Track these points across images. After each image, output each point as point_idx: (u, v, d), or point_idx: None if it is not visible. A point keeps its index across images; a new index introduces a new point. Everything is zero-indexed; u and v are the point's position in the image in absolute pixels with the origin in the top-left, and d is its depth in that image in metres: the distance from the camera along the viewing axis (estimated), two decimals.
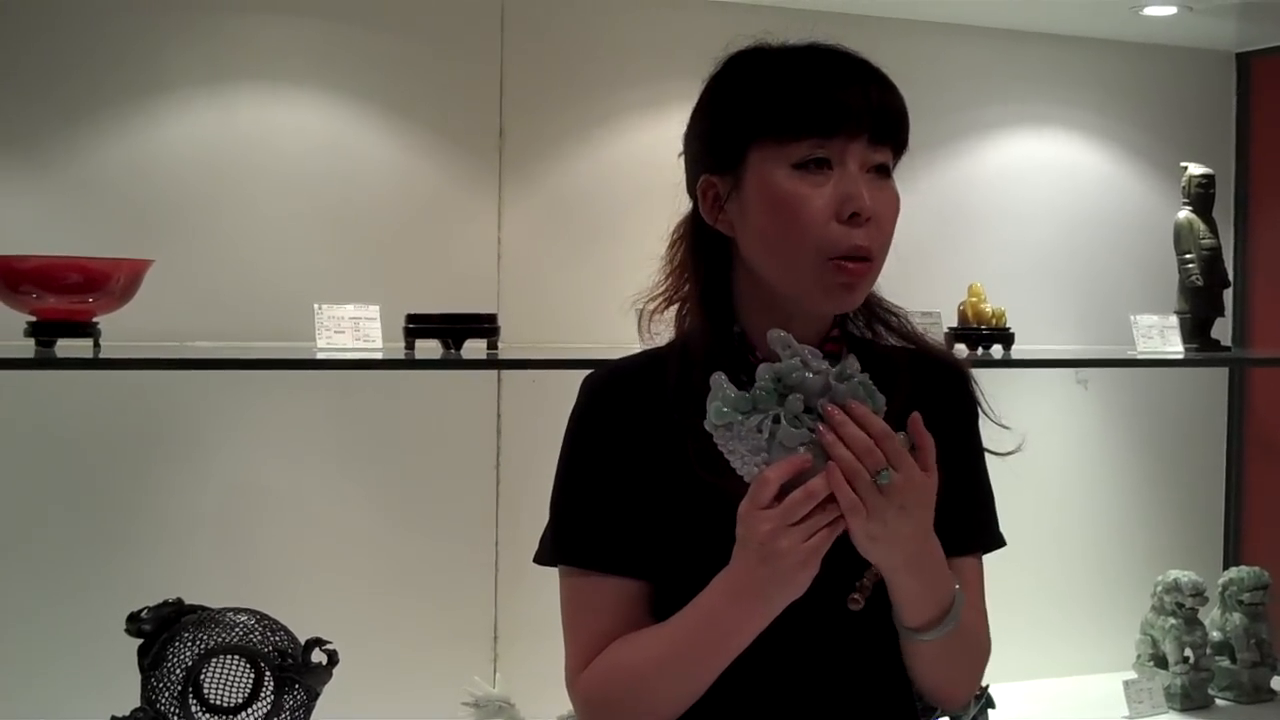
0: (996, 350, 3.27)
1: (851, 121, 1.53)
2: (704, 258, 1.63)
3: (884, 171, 1.56)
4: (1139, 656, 3.57)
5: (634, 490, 1.57)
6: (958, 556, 1.56)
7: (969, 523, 1.58)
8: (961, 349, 3.25)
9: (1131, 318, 3.43)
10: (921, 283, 3.54)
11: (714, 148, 1.60)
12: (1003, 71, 3.72)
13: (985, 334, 3.26)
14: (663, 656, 1.52)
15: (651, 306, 1.67)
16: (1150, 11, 3.51)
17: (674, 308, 1.67)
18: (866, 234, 1.53)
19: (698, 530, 1.53)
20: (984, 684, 3.19)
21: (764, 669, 1.52)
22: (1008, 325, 3.29)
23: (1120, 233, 3.86)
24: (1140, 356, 3.40)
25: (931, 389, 1.61)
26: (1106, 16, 3.60)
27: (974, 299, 3.30)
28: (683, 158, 1.68)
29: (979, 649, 1.62)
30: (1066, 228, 3.80)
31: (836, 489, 1.37)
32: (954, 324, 3.29)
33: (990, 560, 3.74)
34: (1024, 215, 3.76)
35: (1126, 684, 3.39)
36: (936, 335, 3.19)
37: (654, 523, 1.56)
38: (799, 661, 1.54)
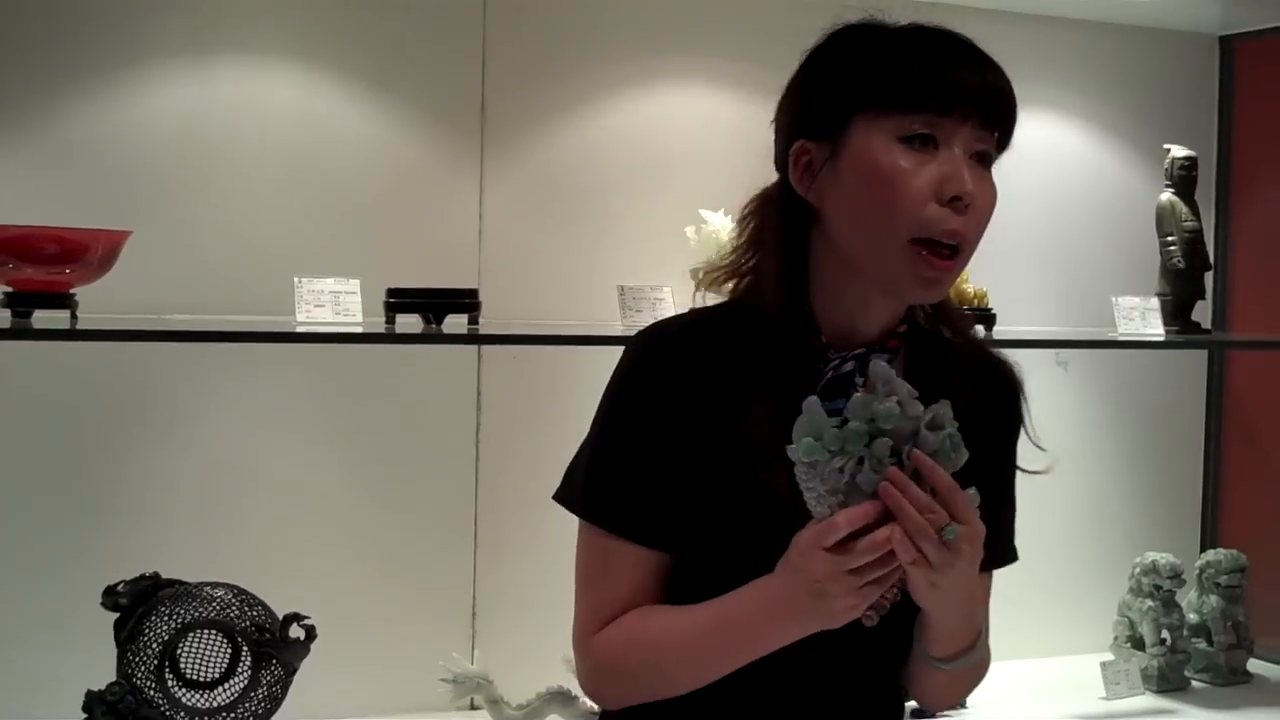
0: (978, 331, 3.27)
1: (965, 102, 1.50)
2: (787, 229, 1.59)
3: (986, 160, 1.53)
4: (1116, 638, 3.58)
5: (674, 458, 1.53)
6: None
7: (992, 540, 1.50)
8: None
9: (1113, 299, 3.43)
10: None
11: (813, 113, 1.57)
12: (991, 52, 3.70)
13: (967, 314, 3.26)
14: (684, 643, 1.52)
15: (713, 277, 1.65)
16: None
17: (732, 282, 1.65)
18: (964, 220, 1.50)
19: (733, 511, 1.51)
20: None
21: (763, 668, 1.51)
22: (989, 306, 3.29)
23: (1102, 214, 3.85)
24: (1121, 338, 3.40)
25: (987, 396, 1.59)
26: None
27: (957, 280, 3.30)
28: (774, 125, 1.67)
29: (985, 666, 1.64)
30: (1049, 209, 3.79)
31: (898, 546, 1.34)
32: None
33: None
34: (1006, 196, 3.66)
35: (1104, 665, 3.40)
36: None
37: (689, 495, 1.53)
38: (797, 661, 1.52)
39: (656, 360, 1.57)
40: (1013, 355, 3.58)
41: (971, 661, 1.52)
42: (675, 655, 1.52)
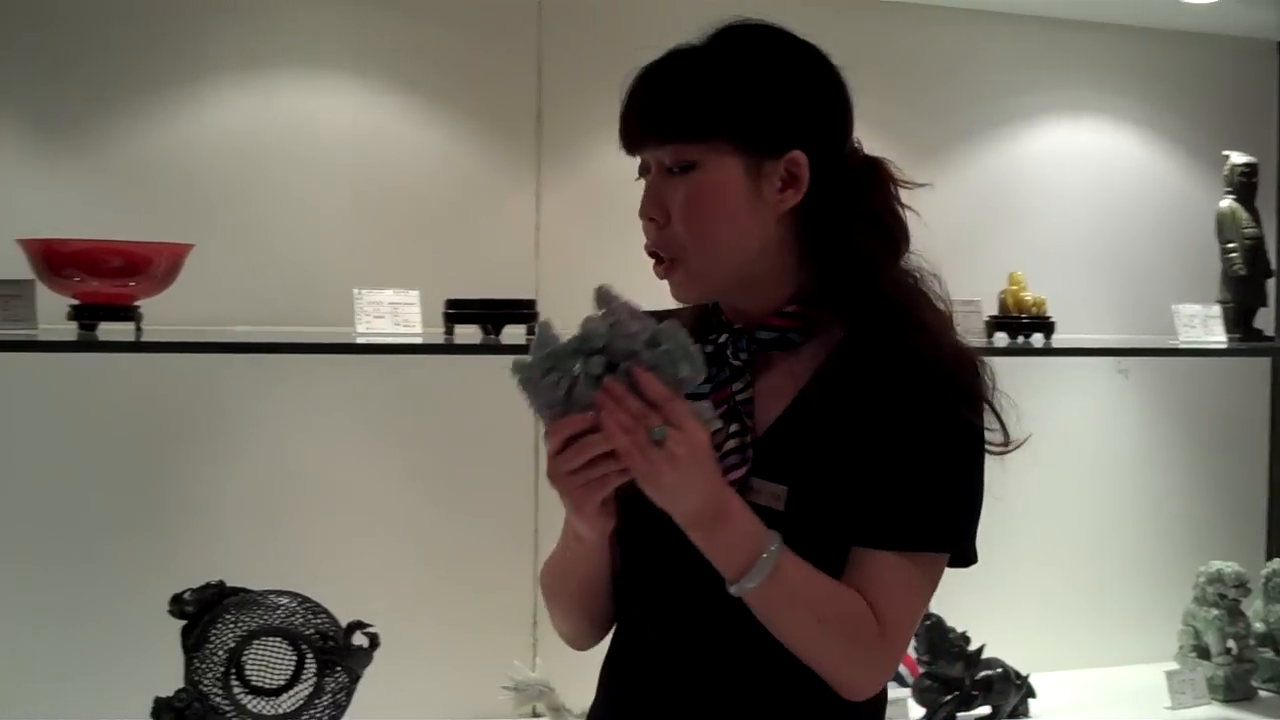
0: (1037, 339, 3.26)
1: (629, 132, 1.62)
2: None
3: (683, 168, 1.59)
4: (1181, 647, 3.54)
5: None
6: (871, 549, 1.54)
7: (886, 516, 1.53)
8: (1002, 338, 3.24)
9: (1173, 307, 3.40)
10: (961, 271, 3.49)
11: None
12: (1044, 59, 3.70)
13: (1025, 322, 3.25)
14: (551, 561, 1.74)
15: None
16: None
17: None
18: (660, 236, 1.61)
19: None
20: (1024, 674, 3.18)
21: (661, 648, 1.60)
22: (1048, 314, 3.27)
23: (1162, 221, 3.83)
24: (1182, 346, 3.38)
25: (892, 384, 1.55)
26: (1148, 4, 3.57)
27: (1014, 287, 3.29)
28: None
29: (826, 618, 1.53)
30: (1108, 216, 3.77)
31: (609, 442, 1.43)
32: (994, 312, 3.27)
33: (1033, 550, 3.73)
34: (1065, 204, 3.74)
35: (1169, 675, 3.37)
36: (975, 324, 3.19)
37: None
38: (692, 641, 1.60)
39: None
40: (1072, 364, 3.62)
41: (753, 583, 1.48)
42: (549, 571, 1.76)
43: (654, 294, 1.68)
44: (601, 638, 1.77)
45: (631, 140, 1.62)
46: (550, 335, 1.49)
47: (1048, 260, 3.59)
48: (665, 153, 1.59)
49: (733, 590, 1.50)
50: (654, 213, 1.60)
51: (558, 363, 1.48)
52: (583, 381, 1.47)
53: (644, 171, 1.63)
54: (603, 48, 3.24)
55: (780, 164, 1.59)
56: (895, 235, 1.67)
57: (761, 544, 1.49)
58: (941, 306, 1.68)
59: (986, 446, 1.63)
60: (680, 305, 1.71)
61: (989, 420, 1.62)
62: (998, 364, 3.68)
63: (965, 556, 1.65)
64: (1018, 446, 1.66)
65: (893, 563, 1.54)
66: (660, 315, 1.58)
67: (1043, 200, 3.71)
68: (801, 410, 1.59)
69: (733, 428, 1.58)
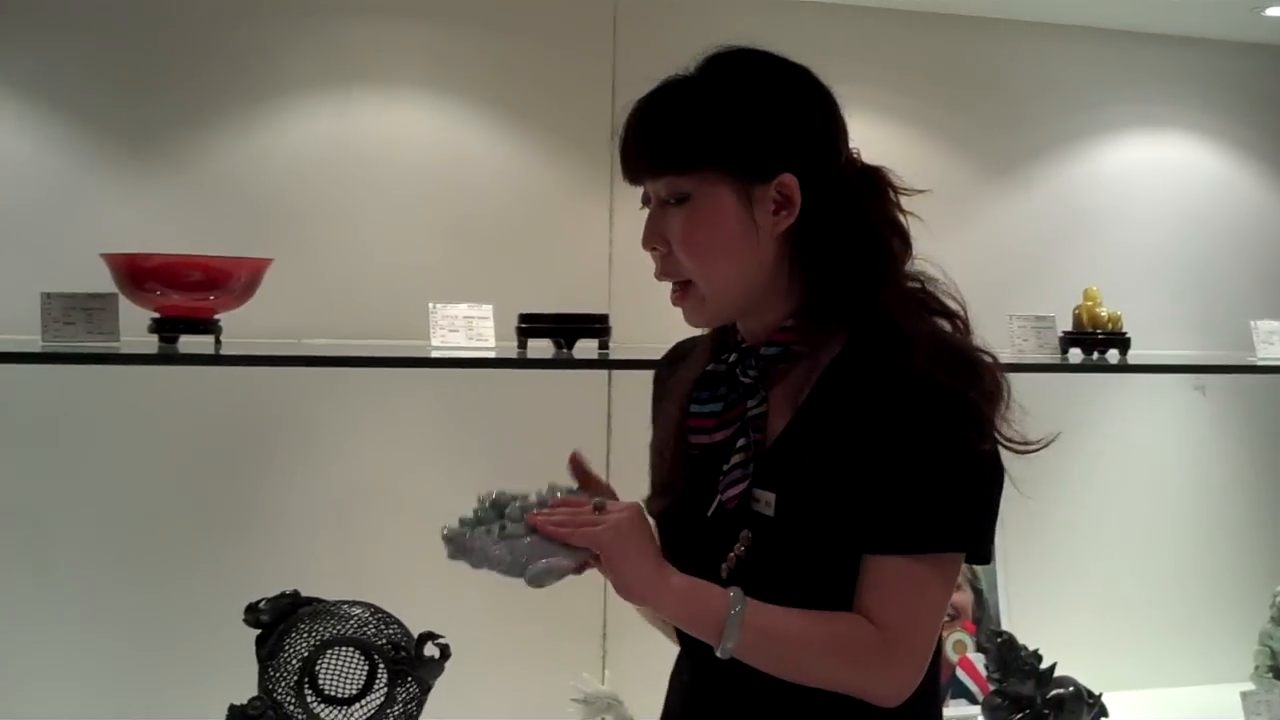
0: (1112, 355, 3.23)
1: (627, 168, 1.67)
2: None
3: (678, 199, 1.63)
4: (1257, 668, 3.50)
5: (661, 452, 1.79)
6: (868, 555, 1.57)
7: (875, 521, 1.55)
8: (1076, 354, 3.22)
9: (1251, 323, 3.37)
10: (1036, 286, 3.52)
11: None
12: (1120, 73, 3.67)
13: (1100, 338, 3.23)
14: None
15: None
16: (1272, 12, 3.44)
17: None
18: (663, 264, 1.67)
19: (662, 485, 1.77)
20: (1097, 692, 3.15)
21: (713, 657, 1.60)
22: (1124, 330, 3.25)
23: (1239, 236, 3.79)
24: (1260, 363, 3.34)
25: (880, 372, 1.57)
26: (1225, 17, 3.54)
27: (1089, 303, 3.26)
28: None
29: (816, 648, 1.56)
30: (1184, 231, 3.74)
31: (557, 534, 1.60)
32: (1069, 328, 3.25)
33: (1106, 568, 3.70)
34: (1141, 218, 3.71)
35: (1244, 695, 3.32)
36: (1049, 340, 3.17)
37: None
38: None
39: (660, 367, 1.94)
40: (1148, 381, 3.58)
41: (728, 649, 1.55)
42: None
43: None
44: None
45: (628, 173, 1.67)
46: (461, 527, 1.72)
47: (1123, 275, 3.56)
48: (659, 185, 1.64)
49: (720, 654, 1.56)
50: (655, 243, 1.66)
51: (481, 520, 1.72)
52: (510, 526, 1.67)
53: (646, 201, 1.68)
54: (677, 65, 3.24)
55: (771, 188, 1.62)
56: (891, 245, 1.68)
57: (722, 605, 1.56)
58: (954, 306, 1.69)
59: (1010, 445, 1.63)
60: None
61: (1001, 426, 1.62)
62: (1072, 380, 3.71)
63: (978, 555, 1.63)
64: (1045, 445, 1.65)
65: (888, 566, 1.56)
66: (686, 343, 1.80)
67: (1118, 215, 3.69)
68: (801, 421, 1.63)
69: (739, 443, 1.65)
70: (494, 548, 1.67)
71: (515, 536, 1.66)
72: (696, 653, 1.64)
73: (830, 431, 1.58)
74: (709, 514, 1.66)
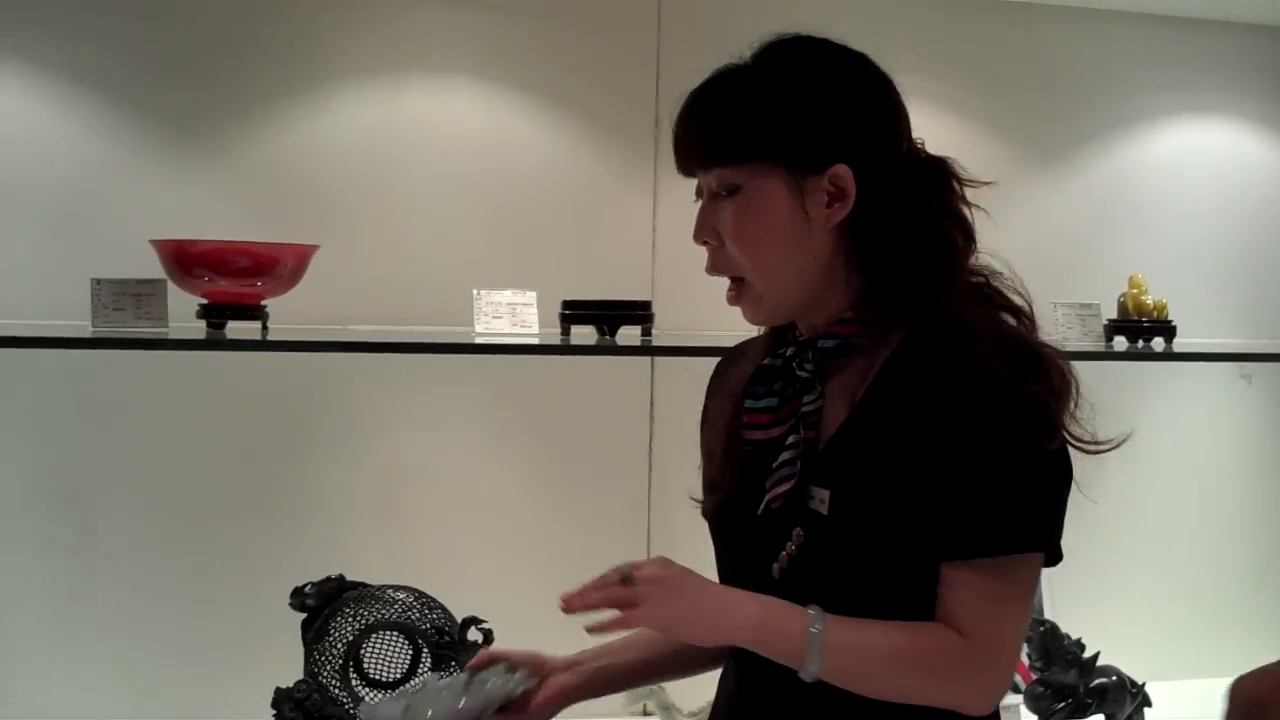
0: (1158, 343, 3.21)
1: (681, 159, 1.65)
2: None
3: (730, 191, 1.60)
4: None
5: (712, 450, 1.76)
6: (947, 565, 1.53)
7: (950, 529, 1.52)
8: (1121, 342, 3.21)
9: None
10: (1081, 273, 3.50)
11: None
12: (1167, 58, 3.64)
13: (1146, 326, 3.21)
14: None
15: None
16: None
17: None
18: (714, 257, 1.64)
19: (712, 482, 1.74)
20: (1140, 682, 3.14)
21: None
22: (1169, 318, 3.23)
23: None
24: None
25: (946, 368, 1.54)
26: (1276, 1, 3.50)
27: (1135, 290, 3.25)
28: None
29: (903, 661, 1.53)
30: (1232, 218, 3.71)
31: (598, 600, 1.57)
32: (1113, 316, 3.23)
33: (1150, 557, 3.68)
34: (1188, 205, 3.68)
35: None
36: (1094, 328, 3.15)
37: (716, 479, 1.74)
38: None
39: (716, 372, 1.86)
40: (1194, 369, 3.56)
41: (812, 673, 1.52)
42: None
43: None
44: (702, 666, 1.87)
45: (681, 164, 1.65)
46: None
47: (1169, 263, 3.54)
48: (710, 176, 1.61)
49: (804, 677, 1.52)
50: (706, 236, 1.63)
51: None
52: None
53: (699, 194, 1.66)
54: (721, 52, 3.24)
55: (824, 179, 1.58)
56: (953, 238, 1.64)
57: (800, 625, 1.52)
58: (1019, 302, 1.65)
59: (1079, 445, 1.59)
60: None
61: (1070, 424, 1.57)
62: (1117, 368, 3.68)
63: (1054, 555, 1.59)
64: (1116, 445, 1.63)
65: (969, 573, 1.52)
66: (747, 341, 1.78)
67: (1164, 202, 3.66)
68: (858, 416, 1.59)
69: (789, 439, 1.61)
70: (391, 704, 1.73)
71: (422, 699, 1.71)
72: (743, 658, 1.61)
73: (890, 428, 1.54)
74: (759, 512, 1.62)
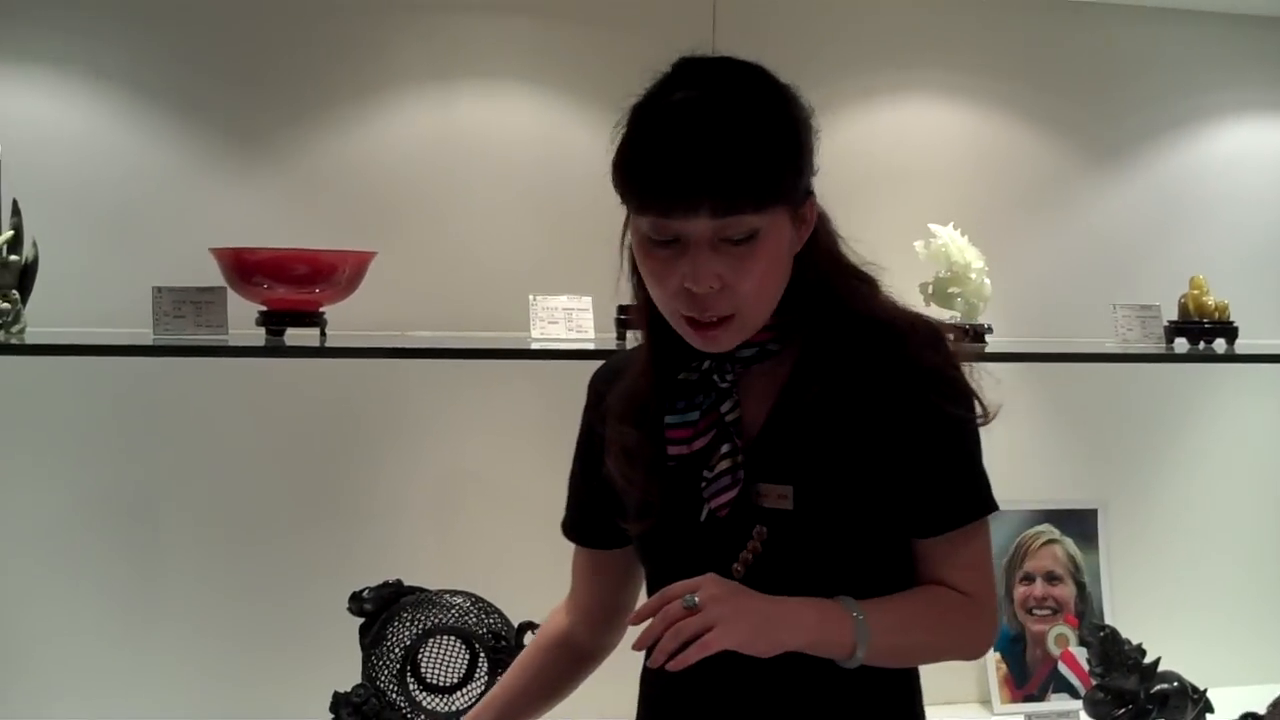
0: (1219, 345, 3.18)
1: (682, 202, 1.53)
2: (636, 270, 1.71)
3: (741, 239, 1.56)
4: None
5: (598, 471, 1.79)
6: (934, 537, 1.67)
7: (935, 504, 1.66)
8: (1182, 343, 3.17)
9: None
10: (1141, 275, 3.47)
11: (614, 186, 1.64)
12: (1229, 57, 3.60)
13: (1207, 328, 3.18)
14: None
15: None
16: None
17: None
18: (714, 301, 1.57)
19: (617, 509, 1.77)
20: (1202, 688, 3.11)
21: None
22: (1231, 319, 3.19)
23: None
24: None
25: (885, 367, 1.64)
26: None
27: (1196, 291, 3.21)
28: None
29: (932, 628, 1.67)
30: None
31: (664, 643, 1.51)
32: (1174, 317, 3.20)
33: (1213, 561, 3.63)
34: (1250, 205, 3.64)
35: None
36: (1155, 329, 3.13)
37: (613, 500, 1.78)
38: None
39: (592, 390, 1.89)
40: (1256, 371, 3.52)
41: (858, 661, 1.58)
42: None
43: None
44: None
45: (678, 210, 1.54)
46: None
47: (1231, 263, 3.50)
48: (721, 224, 1.54)
49: (850, 665, 1.59)
50: (713, 283, 1.55)
51: None
52: None
53: (667, 241, 1.57)
54: (775, 57, 3.24)
55: (805, 209, 1.63)
56: (833, 232, 1.71)
57: (843, 613, 1.58)
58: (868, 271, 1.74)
59: (983, 405, 1.70)
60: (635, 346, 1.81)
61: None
62: (1178, 370, 3.64)
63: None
64: (994, 417, 1.69)
65: (958, 541, 1.67)
66: (613, 362, 1.84)
67: (1226, 202, 3.62)
68: (787, 410, 1.66)
69: (723, 449, 1.65)
70: None
71: None
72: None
73: (840, 421, 1.63)
74: (702, 520, 1.67)
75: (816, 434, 1.63)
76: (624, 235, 1.71)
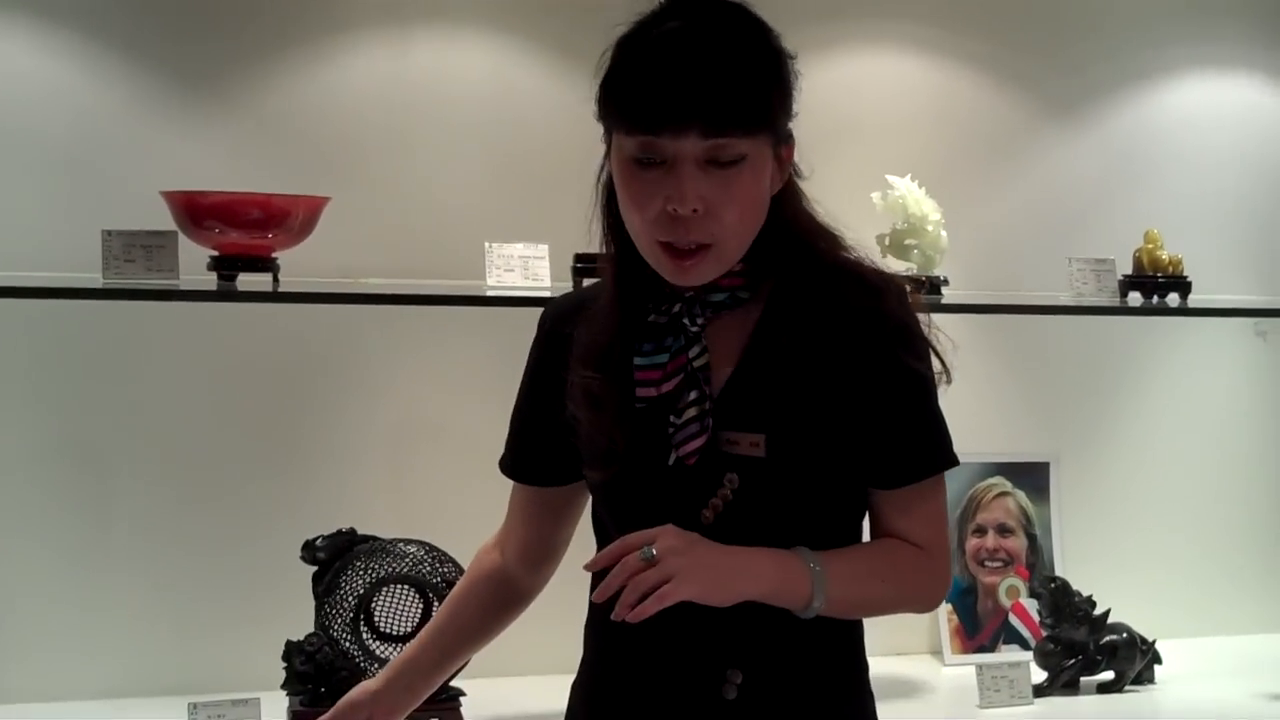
0: (1172, 299, 3.20)
1: (675, 119, 1.55)
2: (610, 206, 1.73)
3: (732, 160, 1.57)
4: None
5: (550, 408, 1.77)
6: (893, 489, 1.69)
7: (896, 456, 1.68)
8: (1136, 298, 3.19)
9: None
10: (1096, 228, 3.48)
11: (598, 116, 1.69)
12: (1185, 11, 3.60)
13: (1161, 282, 3.20)
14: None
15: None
16: None
17: None
18: (695, 226, 1.58)
19: (573, 448, 1.76)
20: (1150, 639, 3.15)
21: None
22: (1184, 274, 3.21)
23: None
24: None
25: (855, 320, 1.65)
26: None
27: (1150, 245, 3.23)
28: None
29: (886, 578, 1.69)
30: (1249, 174, 3.68)
31: (626, 594, 1.53)
32: (1128, 271, 3.22)
33: (1162, 514, 3.67)
34: (1204, 160, 3.65)
35: None
36: (1109, 283, 3.14)
37: (563, 436, 1.76)
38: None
39: (545, 327, 1.86)
40: (1208, 325, 3.55)
41: (815, 610, 1.60)
42: None
43: None
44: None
45: (667, 127, 1.55)
46: None
47: (1185, 218, 3.52)
48: (710, 145, 1.55)
49: (807, 615, 1.60)
50: (697, 205, 1.56)
51: None
52: None
53: (651, 161, 1.58)
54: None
55: (782, 150, 1.65)
56: (798, 184, 1.72)
57: (801, 563, 1.60)
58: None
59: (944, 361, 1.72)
60: (596, 280, 1.82)
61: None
62: (1132, 324, 3.67)
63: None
64: (951, 378, 1.72)
65: (913, 493, 1.69)
66: (564, 302, 1.84)
67: (1181, 157, 3.63)
68: (756, 359, 1.66)
69: (691, 395, 1.65)
70: None
71: None
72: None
73: (807, 361, 1.64)
74: (670, 465, 1.66)
75: (787, 383, 1.63)
76: (600, 172, 1.73)
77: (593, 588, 1.68)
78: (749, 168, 1.58)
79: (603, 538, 1.79)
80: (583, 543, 1.88)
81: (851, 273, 1.68)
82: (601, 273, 1.79)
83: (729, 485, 1.64)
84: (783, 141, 1.64)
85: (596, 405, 1.70)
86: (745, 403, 1.65)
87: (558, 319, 1.83)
